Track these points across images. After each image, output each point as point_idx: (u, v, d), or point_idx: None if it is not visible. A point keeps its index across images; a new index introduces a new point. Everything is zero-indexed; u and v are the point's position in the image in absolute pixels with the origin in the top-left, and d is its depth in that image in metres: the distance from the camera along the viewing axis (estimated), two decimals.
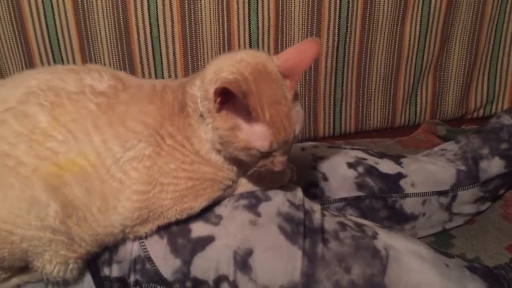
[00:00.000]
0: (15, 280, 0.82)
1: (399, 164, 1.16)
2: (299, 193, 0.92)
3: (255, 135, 0.76)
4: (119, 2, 1.32)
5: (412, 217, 1.12)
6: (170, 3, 1.33)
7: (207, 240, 0.83)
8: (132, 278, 0.84)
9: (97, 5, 1.31)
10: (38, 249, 0.77)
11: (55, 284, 0.84)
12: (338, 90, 1.54)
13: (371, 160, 1.15)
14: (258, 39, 1.40)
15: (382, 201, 1.11)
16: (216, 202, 0.86)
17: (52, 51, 1.35)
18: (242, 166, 0.85)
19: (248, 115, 0.75)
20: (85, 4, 1.31)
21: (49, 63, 1.35)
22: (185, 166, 0.81)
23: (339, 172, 1.11)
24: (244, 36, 1.40)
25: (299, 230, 0.84)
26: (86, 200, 0.78)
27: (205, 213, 0.85)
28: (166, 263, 0.83)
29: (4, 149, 0.76)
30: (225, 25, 1.38)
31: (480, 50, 1.57)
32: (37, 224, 0.76)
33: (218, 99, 0.75)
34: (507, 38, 1.57)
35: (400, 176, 1.13)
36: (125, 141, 0.79)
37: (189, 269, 0.82)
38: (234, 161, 0.83)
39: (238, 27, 1.40)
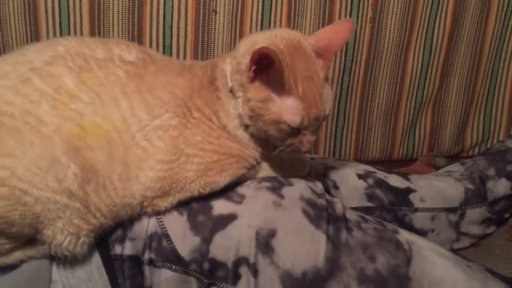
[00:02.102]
0: (18, 254, 0.77)
1: (408, 179, 1.16)
2: (319, 184, 0.90)
3: (287, 108, 0.75)
4: (136, 9, 1.33)
5: (421, 232, 1.10)
6: (186, 14, 1.36)
7: (229, 219, 0.79)
8: (146, 256, 0.79)
9: (112, 10, 1.32)
10: (51, 214, 0.73)
11: (60, 262, 0.79)
12: (341, 117, 1.56)
13: (380, 174, 1.14)
14: None
15: (392, 213, 1.09)
16: (238, 183, 0.84)
17: None
18: (267, 147, 0.83)
19: (281, 88, 0.75)
20: (101, 8, 1.32)
21: None
22: (211, 139, 0.79)
23: (350, 182, 1.10)
24: None
25: (322, 215, 0.82)
26: (108, 166, 0.74)
27: (227, 191, 0.82)
28: (184, 241, 0.78)
29: (26, 107, 0.73)
30: (238, 37, 1.40)
31: (477, 88, 1.63)
32: (55, 186, 0.72)
33: (253, 67, 0.74)
34: (503, 78, 1.64)
35: (409, 190, 1.13)
36: (152, 109, 0.77)
37: (208, 249, 0.78)
38: (260, 140, 0.82)
39: None
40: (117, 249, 0.80)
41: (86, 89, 0.76)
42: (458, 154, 1.71)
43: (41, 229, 0.74)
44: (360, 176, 1.11)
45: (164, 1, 1.36)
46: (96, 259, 0.80)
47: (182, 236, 0.78)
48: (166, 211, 0.79)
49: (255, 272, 0.77)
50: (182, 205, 0.80)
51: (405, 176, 1.17)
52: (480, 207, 1.15)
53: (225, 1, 1.38)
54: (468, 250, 1.18)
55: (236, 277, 0.78)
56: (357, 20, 1.47)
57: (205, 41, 1.41)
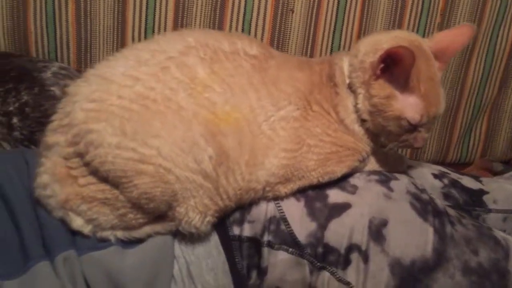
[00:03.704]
0: (147, 229, 0.82)
1: (480, 181, 1.20)
2: (417, 180, 0.95)
3: (409, 106, 0.80)
4: (218, 6, 1.38)
5: None
6: (265, 12, 1.41)
7: (344, 207, 0.84)
8: (265, 238, 0.84)
9: (196, 6, 1.37)
10: (187, 193, 0.78)
11: (182, 239, 0.84)
12: None
13: (454, 175, 1.19)
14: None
15: (467, 213, 1.14)
16: (349, 174, 0.89)
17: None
18: (376, 142, 0.88)
19: (405, 86, 0.80)
20: (186, 5, 1.37)
21: None
22: (329, 132, 0.84)
23: (427, 180, 1.14)
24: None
25: (428, 209, 0.87)
26: (237, 152, 0.80)
27: (340, 182, 0.87)
28: (301, 226, 0.84)
29: (166, 93, 0.78)
30: (311, 38, 1.46)
31: None
32: (193, 166, 0.77)
33: (381, 66, 0.79)
34: None
35: (482, 192, 1.17)
36: (277, 101, 0.82)
37: (323, 234, 0.83)
38: (373, 135, 0.87)
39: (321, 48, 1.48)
40: (235, 230, 0.85)
41: (218, 79, 0.81)
42: (510, 160, 1.76)
43: (175, 206, 0.79)
44: (435, 176, 1.16)
45: (245, 0, 1.41)
46: (215, 238, 0.85)
47: (299, 221, 0.84)
48: (285, 197, 0.84)
49: (365, 258, 0.82)
50: (299, 192, 0.85)
51: (476, 178, 1.22)
52: None
53: (302, 1, 1.44)
54: None
55: (347, 262, 0.83)
56: (425, 26, 1.52)
57: (280, 40, 1.45)
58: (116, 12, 1.35)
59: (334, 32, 1.48)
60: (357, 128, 0.86)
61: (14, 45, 1.33)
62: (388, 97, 0.81)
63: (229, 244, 0.85)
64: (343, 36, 1.49)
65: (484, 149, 1.72)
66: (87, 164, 0.77)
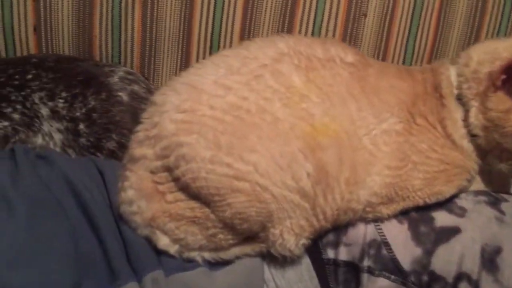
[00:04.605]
0: (236, 250, 0.76)
1: None
2: None
3: None
4: (288, 9, 1.32)
5: None
6: (336, 16, 1.35)
7: (452, 231, 0.77)
8: (364, 263, 0.77)
9: (265, 8, 1.32)
10: (283, 213, 0.72)
11: (271, 262, 0.78)
12: None
13: None
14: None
15: None
16: (455, 195, 0.81)
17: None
18: (483, 160, 0.80)
19: None
20: (254, 7, 1.31)
21: None
22: (436, 148, 0.77)
23: None
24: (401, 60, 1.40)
25: None
26: (337, 168, 0.73)
27: (446, 203, 0.80)
28: (406, 251, 0.76)
29: (260, 103, 0.72)
30: (384, 43, 1.38)
31: None
32: (291, 184, 0.71)
33: (503, 77, 0.72)
34: None
35: None
36: (379, 113, 0.76)
37: (430, 261, 0.76)
38: (482, 152, 0.79)
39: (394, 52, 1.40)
40: (330, 253, 0.78)
41: (315, 88, 0.75)
42: None
43: (269, 227, 0.73)
44: None
45: (317, 3, 1.34)
46: (306, 261, 0.78)
47: (403, 245, 0.76)
48: (386, 218, 0.77)
49: None
50: (401, 214, 0.78)
51: None
52: None
53: (375, 5, 1.36)
54: None
55: None
56: (505, 32, 1.43)
57: (352, 45, 1.38)
58: (182, 16, 1.31)
59: (408, 38, 1.40)
60: (466, 144, 0.78)
61: (78, 49, 1.30)
62: (508, 111, 0.73)
63: (322, 268, 0.78)
64: (417, 42, 1.41)
65: None
66: (176, 180, 0.72)
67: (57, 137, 1.10)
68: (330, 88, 0.75)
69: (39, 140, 1.10)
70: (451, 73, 0.79)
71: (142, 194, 0.73)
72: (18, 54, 1.26)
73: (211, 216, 0.71)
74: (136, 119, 1.18)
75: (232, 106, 0.72)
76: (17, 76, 1.12)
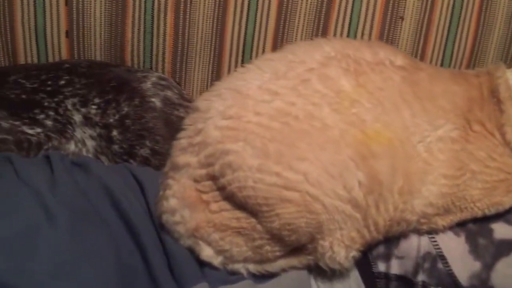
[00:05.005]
0: (282, 263, 0.73)
1: None
2: None
3: None
4: (323, 12, 1.29)
5: None
6: (372, 19, 1.30)
7: None
8: (419, 278, 0.73)
9: (299, 11, 1.29)
10: (334, 224, 0.68)
11: (318, 275, 0.74)
12: None
13: None
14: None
15: None
16: None
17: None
18: None
19: None
20: (288, 10, 1.28)
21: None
22: (495, 156, 0.73)
23: None
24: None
25: None
26: (390, 177, 0.69)
27: (506, 214, 0.75)
28: (463, 265, 0.72)
29: (308, 108, 0.69)
30: (421, 46, 1.34)
31: None
32: (343, 194, 0.67)
33: None
34: None
35: None
36: (433, 119, 0.72)
37: (489, 275, 0.72)
38: None
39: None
40: (380, 267, 0.74)
41: (366, 93, 0.71)
42: None
43: (318, 239, 0.70)
44: None
45: (352, 6, 1.31)
46: (355, 274, 0.75)
47: (460, 259, 0.72)
48: (441, 230, 0.73)
49: None
50: (458, 225, 0.74)
51: None
52: None
53: (412, 8, 1.32)
54: None
55: None
56: None
57: None
58: (215, 20, 1.28)
59: (446, 41, 1.36)
60: None
61: (110, 55, 1.28)
62: None
63: (372, 281, 0.74)
64: (456, 46, 1.36)
65: None
66: (221, 188, 0.69)
67: (90, 143, 1.08)
68: (381, 92, 0.72)
69: (71, 147, 1.08)
70: (509, 77, 0.74)
71: (185, 203, 0.70)
72: (50, 59, 1.25)
73: (257, 226, 0.68)
74: (169, 126, 1.16)
75: (279, 112, 0.69)
76: (49, 82, 1.10)
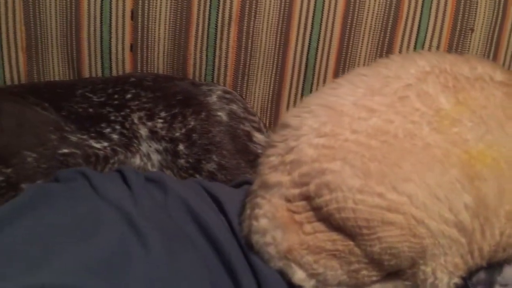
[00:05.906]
0: (377, 287, 0.69)
1: None
2: None
3: None
4: (389, 25, 1.26)
5: None
6: (441, 31, 1.26)
7: None
8: None
9: (365, 24, 1.26)
10: (438, 249, 0.64)
11: None
12: None
13: None
14: None
15: None
16: None
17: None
18: None
19: None
20: (354, 23, 1.25)
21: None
22: None
23: None
24: None
25: None
26: (496, 200, 0.65)
27: None
28: None
29: (408, 127, 0.66)
30: (492, 58, 1.29)
31: None
32: (449, 218, 0.63)
33: None
34: None
35: None
36: None
37: None
38: None
39: None
40: None
41: (467, 111, 0.68)
42: None
43: (419, 264, 0.66)
44: None
45: (420, 17, 1.27)
46: None
47: None
48: None
49: None
50: None
51: None
52: None
53: (483, 18, 1.28)
54: None
55: None
56: None
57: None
58: (279, 34, 1.26)
59: None
60: None
61: (172, 68, 1.28)
62: None
63: None
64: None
65: None
66: (316, 209, 0.66)
67: (155, 157, 1.07)
68: (484, 110, 0.68)
69: (137, 161, 1.07)
70: None
71: (277, 224, 0.68)
72: (114, 73, 1.25)
73: (355, 250, 0.65)
74: (235, 140, 1.14)
75: (378, 130, 0.66)
76: (116, 96, 1.10)
